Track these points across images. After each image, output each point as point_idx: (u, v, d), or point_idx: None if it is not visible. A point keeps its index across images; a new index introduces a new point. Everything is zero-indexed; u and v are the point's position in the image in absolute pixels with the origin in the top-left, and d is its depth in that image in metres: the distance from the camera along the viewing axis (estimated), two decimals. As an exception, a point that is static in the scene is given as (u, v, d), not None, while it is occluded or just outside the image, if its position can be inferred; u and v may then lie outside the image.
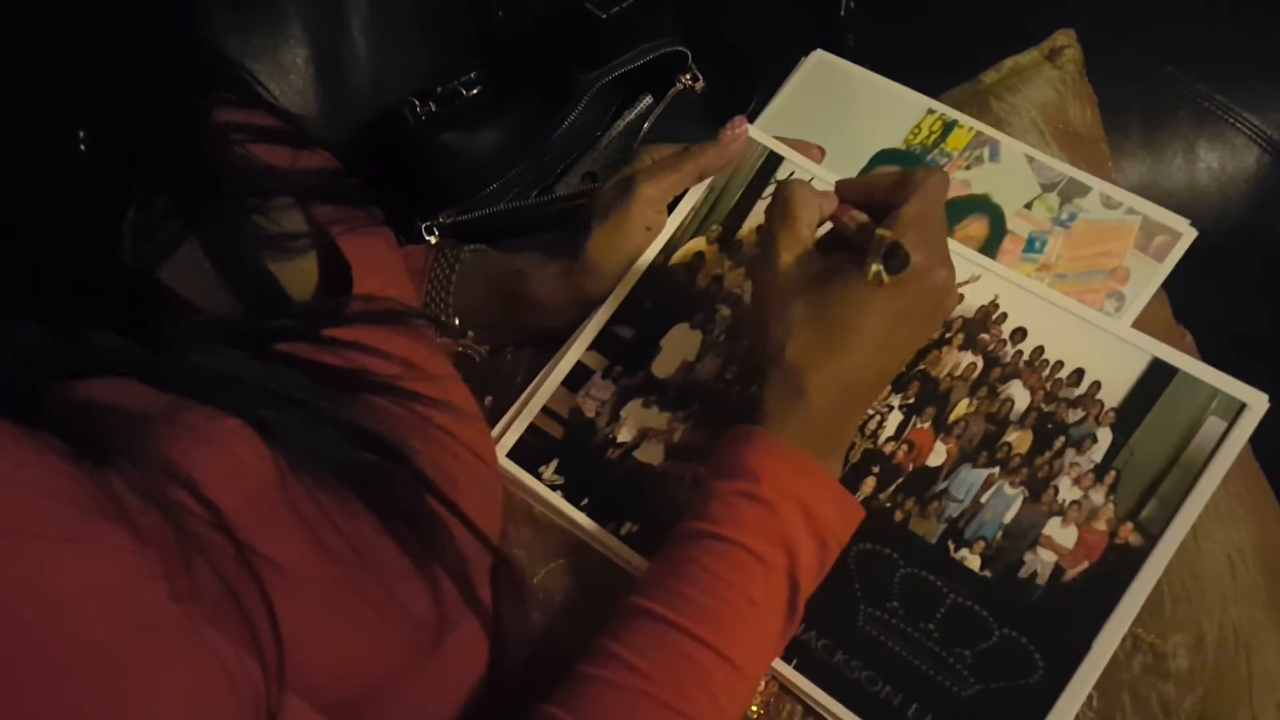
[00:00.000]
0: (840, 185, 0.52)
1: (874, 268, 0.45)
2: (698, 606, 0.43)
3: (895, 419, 0.53)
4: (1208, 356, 0.52)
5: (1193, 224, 0.56)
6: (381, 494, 0.39)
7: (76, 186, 0.32)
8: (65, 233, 0.33)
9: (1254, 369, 0.50)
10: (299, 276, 0.46)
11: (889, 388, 0.53)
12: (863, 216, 0.49)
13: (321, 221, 0.49)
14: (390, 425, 0.40)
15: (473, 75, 0.71)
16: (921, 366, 0.54)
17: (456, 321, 0.60)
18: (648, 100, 0.71)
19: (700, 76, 0.69)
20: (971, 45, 0.65)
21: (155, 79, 0.34)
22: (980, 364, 0.53)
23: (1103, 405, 0.51)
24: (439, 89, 0.71)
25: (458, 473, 0.42)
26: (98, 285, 0.34)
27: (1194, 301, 0.54)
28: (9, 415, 0.30)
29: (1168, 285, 0.54)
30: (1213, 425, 0.50)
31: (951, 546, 0.50)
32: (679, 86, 0.70)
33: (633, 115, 0.71)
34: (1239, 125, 0.83)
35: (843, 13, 0.75)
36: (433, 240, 0.68)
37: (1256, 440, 0.50)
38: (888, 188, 0.49)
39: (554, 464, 0.56)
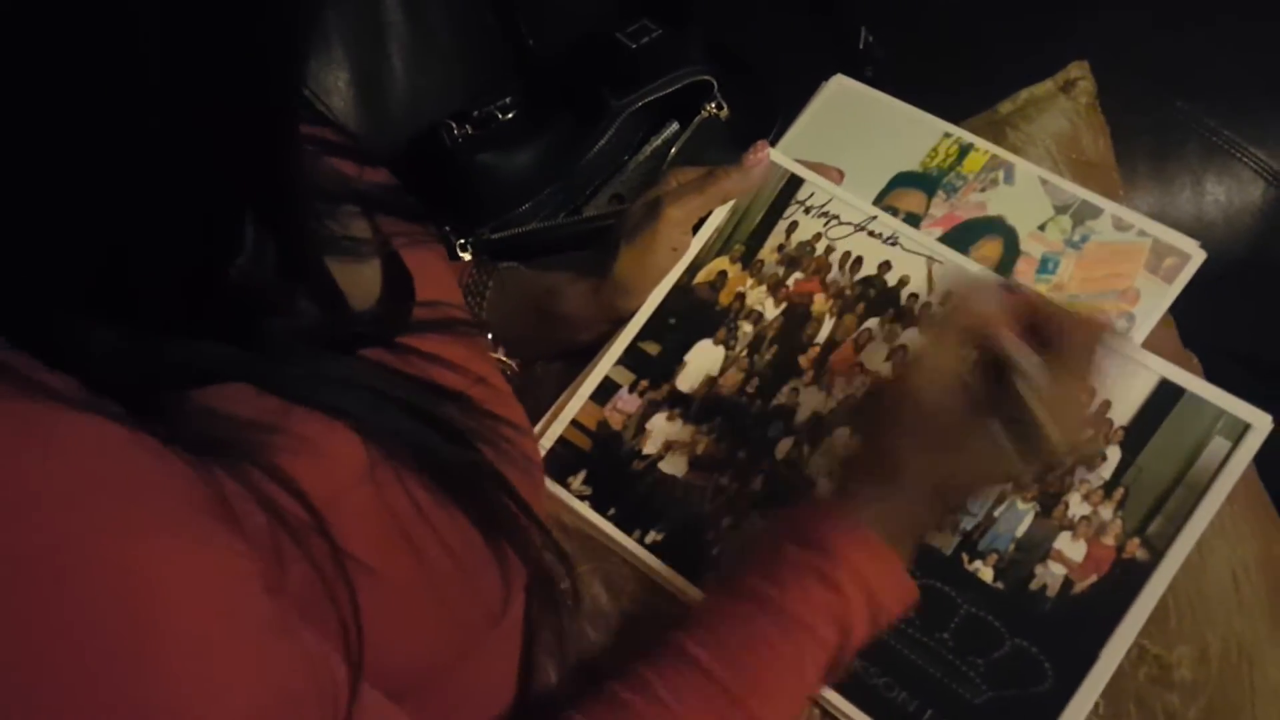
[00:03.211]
0: (1012, 297, 0.47)
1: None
2: (748, 671, 0.43)
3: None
4: (1214, 379, 0.51)
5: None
6: (467, 490, 0.39)
7: (190, 201, 0.33)
8: (181, 246, 0.34)
9: (1258, 391, 0.49)
10: (364, 282, 0.46)
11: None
12: (1024, 354, 0.45)
13: (384, 232, 0.49)
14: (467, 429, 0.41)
15: (508, 100, 0.72)
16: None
17: (490, 336, 0.61)
18: (674, 126, 0.71)
19: (725, 104, 0.70)
20: (988, 76, 0.65)
21: (257, 98, 0.34)
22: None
23: (1112, 423, 0.51)
24: (475, 112, 0.71)
25: (516, 479, 0.42)
26: (208, 294, 0.35)
27: (1201, 326, 0.54)
28: (134, 422, 0.31)
29: (1177, 311, 0.53)
30: (1218, 445, 0.49)
31: (965, 559, 0.50)
32: (705, 114, 0.70)
33: (660, 140, 0.71)
34: (1245, 159, 0.83)
35: (862, 45, 0.75)
36: (467, 256, 0.69)
37: (1260, 459, 0.50)
38: (1056, 326, 0.46)
39: (582, 475, 0.56)
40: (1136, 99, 0.78)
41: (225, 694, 0.30)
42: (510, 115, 0.70)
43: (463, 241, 0.68)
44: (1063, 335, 0.46)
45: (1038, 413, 0.44)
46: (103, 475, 0.30)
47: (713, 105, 0.72)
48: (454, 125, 0.69)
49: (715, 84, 0.71)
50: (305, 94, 0.50)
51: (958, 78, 0.65)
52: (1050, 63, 0.64)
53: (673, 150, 0.72)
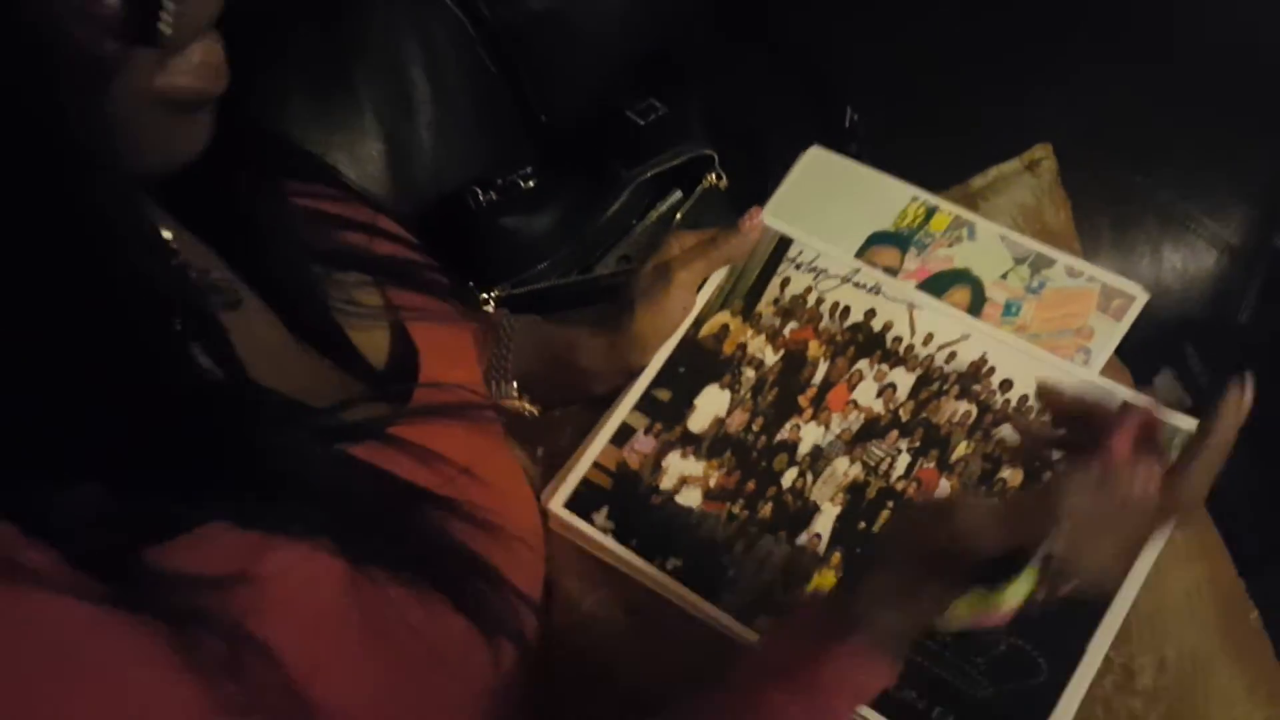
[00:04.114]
0: (1049, 396, 0.47)
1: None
2: None
3: (904, 460, 0.59)
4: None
5: (1157, 318, 0.63)
6: (446, 586, 0.40)
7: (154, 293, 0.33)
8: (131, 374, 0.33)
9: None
10: (370, 350, 0.48)
11: (898, 433, 0.61)
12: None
13: (399, 304, 0.51)
14: (449, 525, 0.41)
15: (529, 169, 0.79)
16: (925, 415, 0.60)
17: (515, 384, 0.65)
18: (678, 194, 0.79)
19: (724, 175, 0.78)
20: (962, 154, 0.72)
21: (223, 163, 0.37)
22: (974, 411, 0.59)
23: (1078, 443, 0.59)
24: (499, 180, 0.78)
25: (504, 561, 0.44)
26: (176, 389, 0.34)
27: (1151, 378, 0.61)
28: (106, 596, 0.31)
29: (1135, 362, 0.60)
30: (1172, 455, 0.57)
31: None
32: (706, 184, 0.78)
33: (665, 207, 0.79)
34: (1199, 230, 0.91)
35: (847, 123, 0.83)
36: (490, 309, 0.75)
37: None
38: (1091, 421, 0.45)
39: (605, 511, 0.60)
40: (1100, 174, 0.87)
41: None
42: (531, 183, 0.77)
43: (486, 295, 0.74)
44: (1096, 426, 0.44)
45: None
46: (61, 665, 0.30)
47: (713, 176, 0.79)
48: (479, 191, 0.77)
49: (715, 158, 0.79)
50: (323, 164, 0.54)
51: (934, 153, 0.72)
52: (1020, 139, 0.72)
53: (678, 216, 0.79)
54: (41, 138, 0.30)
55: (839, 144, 0.70)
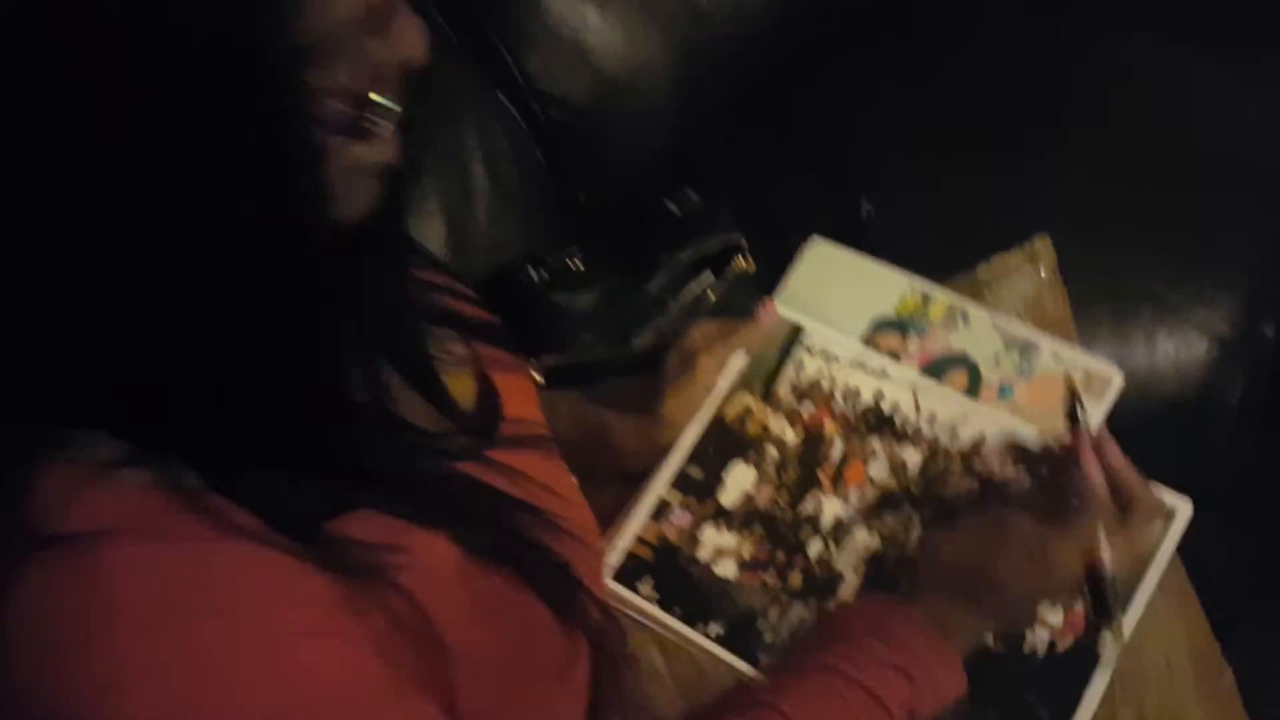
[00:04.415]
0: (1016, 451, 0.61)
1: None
2: None
3: (917, 532, 0.65)
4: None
5: (1152, 401, 0.69)
6: (536, 577, 0.49)
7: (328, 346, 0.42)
8: (328, 393, 0.43)
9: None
10: (461, 396, 0.56)
11: (911, 506, 0.67)
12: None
13: (481, 355, 0.60)
14: (532, 528, 0.51)
15: (576, 250, 0.89)
16: (933, 489, 0.66)
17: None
18: (710, 277, 0.87)
19: (752, 260, 0.86)
20: (968, 242, 0.79)
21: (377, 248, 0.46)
22: (977, 486, 0.66)
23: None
24: (549, 259, 0.88)
25: (576, 564, 0.53)
26: (338, 426, 0.44)
27: (1155, 454, 0.65)
28: (297, 551, 0.41)
29: (1135, 443, 0.64)
30: (1152, 526, 0.61)
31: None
32: (735, 268, 0.86)
33: (698, 287, 0.87)
34: (1190, 319, 0.97)
35: (863, 215, 0.91)
36: (540, 380, 0.83)
37: (1189, 564, 0.62)
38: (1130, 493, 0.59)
39: (649, 581, 0.67)
40: (1097, 264, 0.93)
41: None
42: (578, 263, 0.87)
43: (534, 364, 0.83)
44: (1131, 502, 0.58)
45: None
46: (256, 589, 0.40)
47: (742, 260, 0.88)
48: (531, 269, 0.86)
49: (745, 244, 0.87)
50: (417, 244, 0.63)
51: (943, 241, 0.80)
52: (1021, 228, 0.79)
53: (710, 295, 0.87)
54: (276, 197, 0.39)
55: (855, 233, 0.77)
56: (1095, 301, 0.95)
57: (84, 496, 0.38)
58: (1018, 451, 0.60)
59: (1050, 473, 0.58)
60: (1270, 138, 1.11)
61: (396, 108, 0.42)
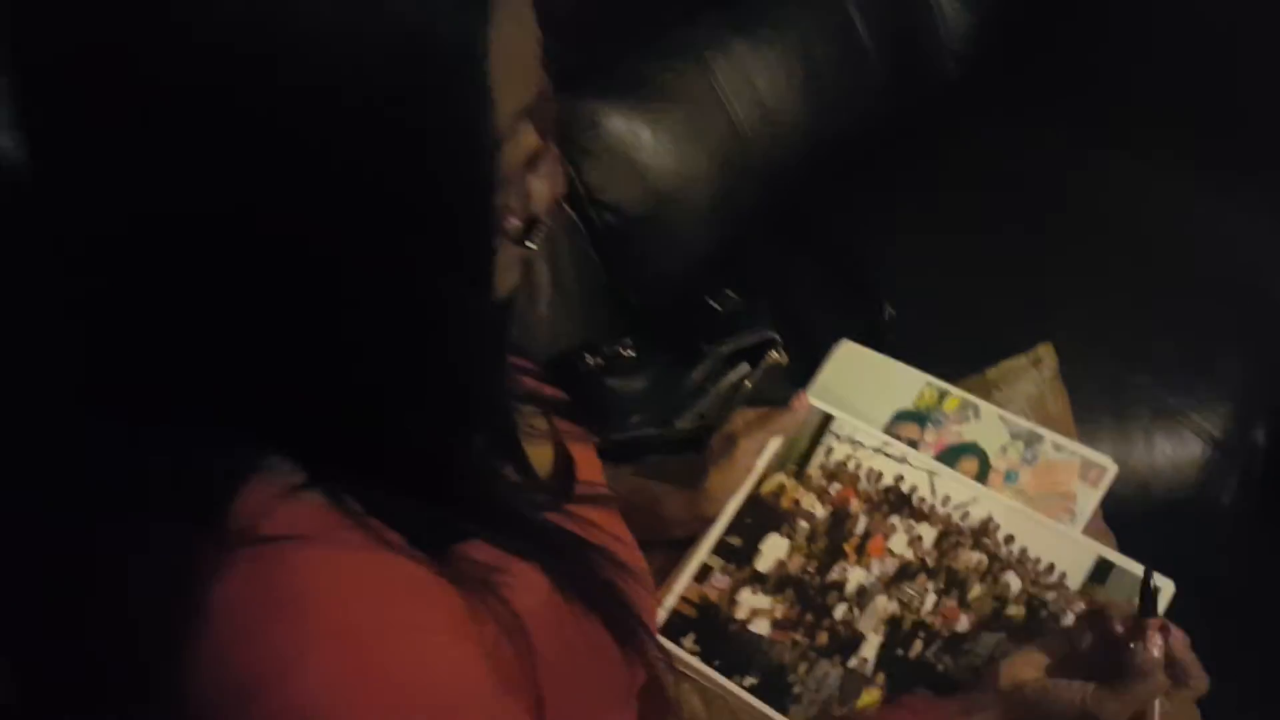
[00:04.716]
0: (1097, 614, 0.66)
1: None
2: None
3: (931, 599, 0.73)
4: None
5: (1151, 496, 0.77)
6: (606, 609, 0.58)
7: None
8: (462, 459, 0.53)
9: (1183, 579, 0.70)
10: (541, 461, 0.65)
11: (926, 576, 0.75)
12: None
13: (556, 427, 0.69)
14: (603, 568, 0.60)
15: (628, 340, 0.99)
16: (946, 562, 0.74)
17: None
18: (746, 367, 0.97)
19: (785, 354, 0.96)
20: (982, 345, 0.89)
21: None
22: (986, 560, 0.74)
23: (1068, 589, 0.71)
24: (604, 348, 0.98)
25: (636, 603, 0.61)
26: (465, 478, 0.53)
27: (1153, 547, 0.73)
28: (430, 564, 0.49)
29: (1133, 534, 0.73)
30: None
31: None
32: (769, 360, 0.96)
33: (735, 377, 0.97)
34: (1187, 423, 1.06)
35: (885, 318, 1.02)
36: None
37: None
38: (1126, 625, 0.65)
39: (692, 636, 0.75)
40: (1100, 371, 1.03)
41: (492, 712, 0.47)
42: (630, 353, 0.97)
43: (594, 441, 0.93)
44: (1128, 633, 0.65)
45: None
46: (410, 594, 0.48)
47: (776, 354, 0.98)
48: (588, 357, 0.96)
49: (779, 340, 0.98)
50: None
51: (957, 343, 0.88)
52: (1029, 333, 0.88)
53: (746, 384, 0.97)
54: (467, 284, 0.48)
55: (877, 334, 0.87)
56: (1097, 403, 1.04)
57: (277, 509, 0.46)
58: (1094, 616, 0.66)
59: (1121, 638, 0.65)
60: (1262, 259, 1.21)
61: (550, 224, 0.53)
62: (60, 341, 0.49)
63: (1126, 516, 0.84)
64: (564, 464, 0.67)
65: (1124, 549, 0.74)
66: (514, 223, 0.51)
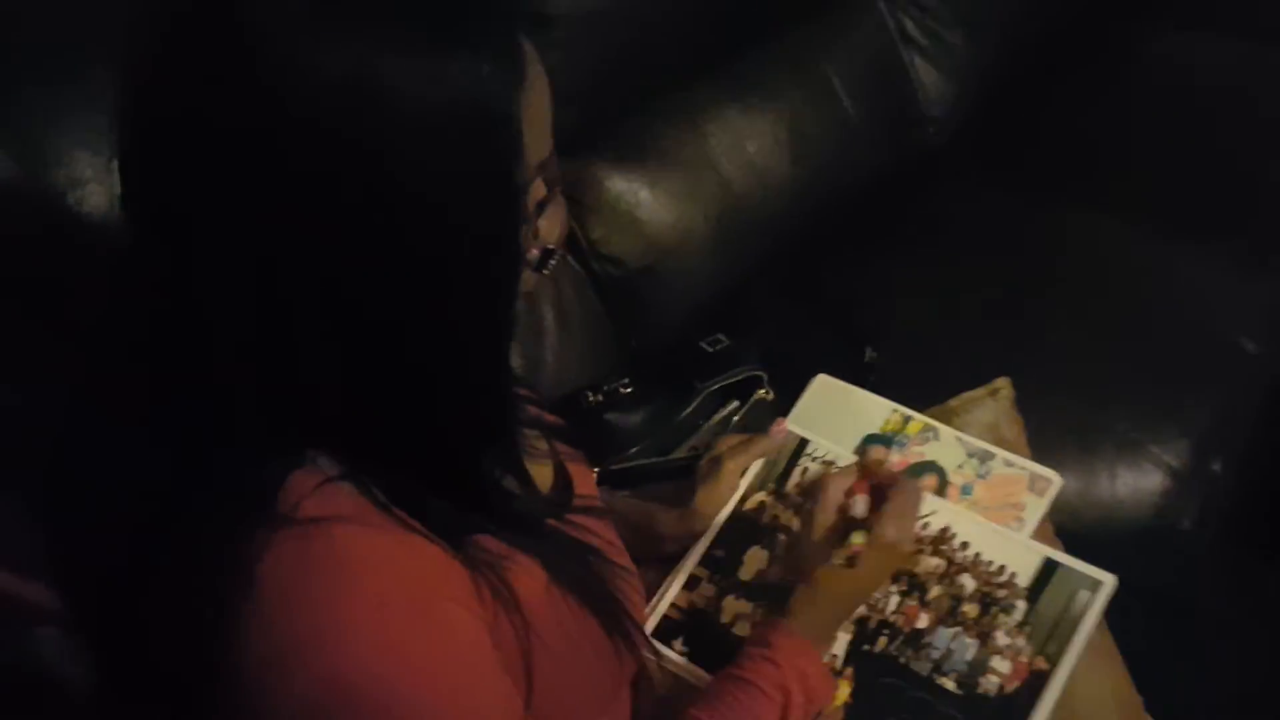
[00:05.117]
0: (861, 467, 0.80)
1: (839, 560, 0.75)
2: (725, 715, 0.70)
3: (894, 600, 0.80)
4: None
5: (1113, 523, 0.85)
6: (598, 604, 0.66)
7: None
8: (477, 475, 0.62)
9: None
10: (542, 478, 0.74)
11: (893, 585, 0.83)
12: (863, 507, 0.77)
13: (555, 449, 0.78)
14: (597, 566, 0.69)
15: (626, 379, 1.09)
16: (908, 567, 0.83)
17: None
18: (735, 404, 1.06)
19: (772, 390, 1.05)
20: (953, 384, 0.97)
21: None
22: (944, 564, 0.81)
23: (1017, 586, 0.79)
24: (605, 386, 1.07)
25: (626, 600, 0.70)
26: (483, 493, 0.62)
27: (1117, 567, 0.79)
28: (445, 546, 0.57)
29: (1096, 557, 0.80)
30: (1083, 595, 0.77)
31: (936, 677, 0.77)
32: (758, 396, 1.06)
33: (726, 412, 1.06)
34: (1147, 455, 1.14)
35: (866, 359, 1.12)
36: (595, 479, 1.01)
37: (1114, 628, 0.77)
38: (887, 478, 0.79)
39: (681, 639, 0.83)
40: (1066, 408, 1.13)
41: (479, 687, 0.55)
42: (628, 390, 1.07)
43: (593, 470, 1.01)
44: (890, 482, 0.78)
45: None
46: (432, 570, 0.56)
47: (763, 391, 1.07)
48: (590, 394, 1.05)
49: (765, 378, 1.07)
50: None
51: (932, 382, 0.97)
52: (994, 373, 0.98)
53: (735, 418, 1.06)
54: (498, 305, 0.57)
55: (860, 373, 0.96)
56: (1063, 437, 1.12)
57: (317, 494, 0.55)
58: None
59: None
60: (1219, 305, 1.30)
61: (561, 254, 0.63)
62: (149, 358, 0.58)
63: (1090, 540, 0.91)
64: (562, 480, 0.76)
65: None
66: (532, 253, 0.61)
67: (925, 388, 0.98)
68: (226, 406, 0.56)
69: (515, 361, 1.09)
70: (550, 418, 0.82)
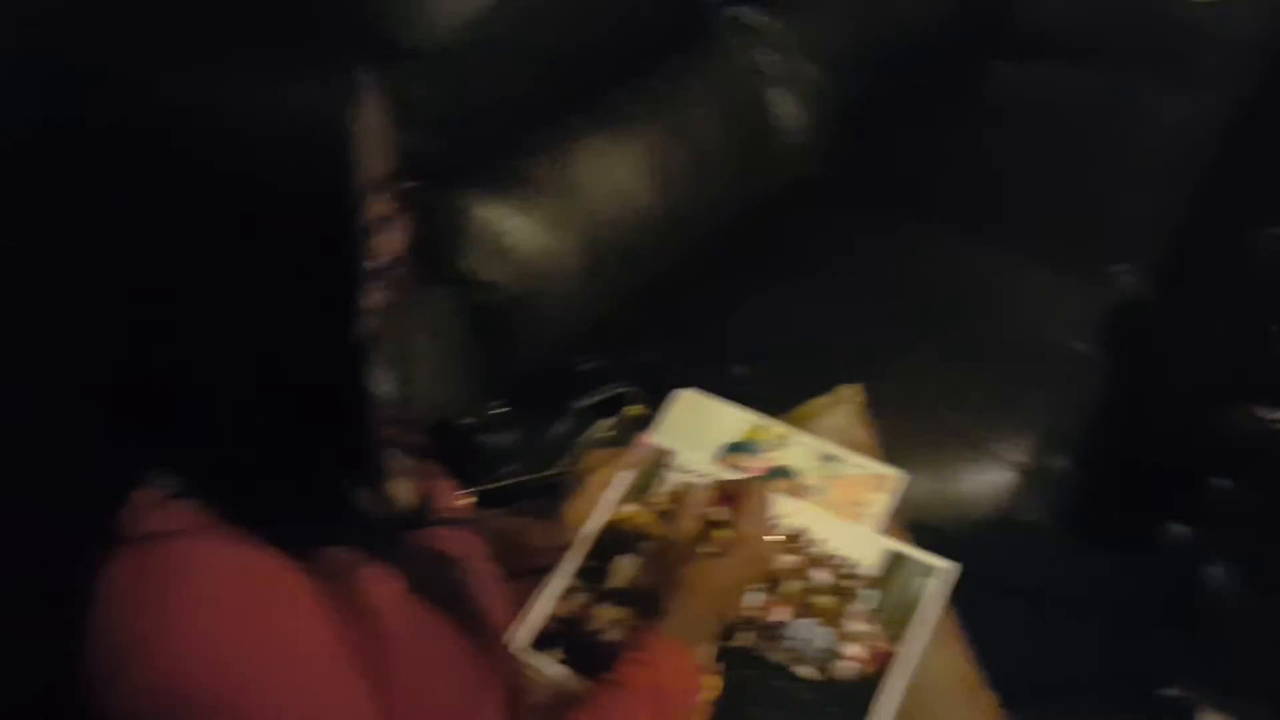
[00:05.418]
0: (719, 485, 0.85)
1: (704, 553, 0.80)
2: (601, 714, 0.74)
3: (758, 597, 0.85)
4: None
5: (965, 519, 0.92)
6: (458, 614, 0.69)
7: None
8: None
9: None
10: (404, 494, 0.75)
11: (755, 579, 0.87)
12: (723, 511, 0.82)
13: (417, 469, 0.80)
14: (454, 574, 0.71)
15: (501, 402, 1.11)
16: (768, 566, 0.87)
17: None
18: (606, 421, 1.10)
19: (646, 406, 1.09)
20: (807, 390, 1.03)
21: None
22: (799, 561, 0.87)
23: (866, 577, 0.84)
24: (479, 408, 1.10)
25: (489, 611, 0.73)
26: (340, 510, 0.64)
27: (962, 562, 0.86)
28: (294, 557, 0.58)
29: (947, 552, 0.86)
30: (928, 582, 0.84)
31: (794, 666, 0.81)
32: (627, 413, 1.10)
33: (598, 429, 1.10)
34: (992, 453, 1.23)
35: (735, 374, 1.17)
36: (473, 500, 1.01)
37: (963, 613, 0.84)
38: (735, 488, 0.83)
39: (560, 649, 0.85)
40: (919, 413, 1.21)
41: (323, 684, 0.58)
42: (501, 412, 1.09)
43: (469, 490, 1.03)
44: (738, 490, 0.83)
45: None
46: (269, 578, 0.57)
47: (636, 406, 1.11)
48: (464, 417, 1.08)
49: (634, 394, 1.11)
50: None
51: (795, 392, 1.04)
52: (853, 382, 1.04)
53: (607, 434, 1.10)
54: (329, 308, 0.59)
55: (727, 388, 1.01)
56: (915, 439, 1.19)
57: (157, 511, 0.57)
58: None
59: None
60: (1058, 316, 1.41)
61: (403, 268, 0.65)
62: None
63: (943, 534, 0.98)
64: (425, 495, 0.78)
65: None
66: (374, 268, 0.63)
67: (787, 398, 1.04)
68: (73, 426, 0.57)
69: (386, 386, 1.11)
70: (415, 438, 0.84)
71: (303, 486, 0.62)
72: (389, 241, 0.64)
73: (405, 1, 1.18)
